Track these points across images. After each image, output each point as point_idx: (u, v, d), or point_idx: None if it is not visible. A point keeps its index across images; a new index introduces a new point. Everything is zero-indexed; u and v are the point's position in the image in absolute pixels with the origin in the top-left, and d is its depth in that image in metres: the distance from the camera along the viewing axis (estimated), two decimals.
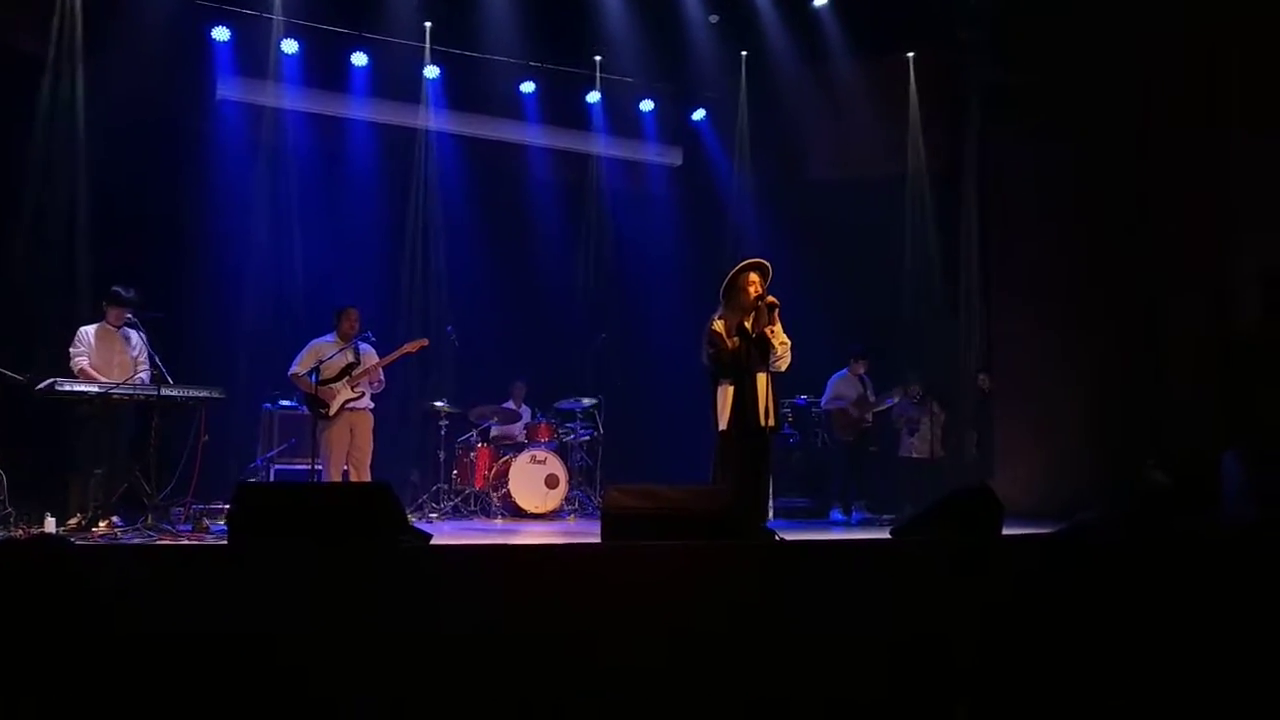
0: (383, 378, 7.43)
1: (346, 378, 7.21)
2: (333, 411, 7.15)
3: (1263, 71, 7.53)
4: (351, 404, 7.22)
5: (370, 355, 7.39)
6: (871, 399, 8.94)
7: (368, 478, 7.16)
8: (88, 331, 6.58)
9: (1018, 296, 9.00)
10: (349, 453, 7.22)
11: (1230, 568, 3.66)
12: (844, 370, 9.05)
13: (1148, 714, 3.34)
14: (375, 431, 7.39)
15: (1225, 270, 7.75)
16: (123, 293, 6.59)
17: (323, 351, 7.21)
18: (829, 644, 3.17)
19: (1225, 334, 7.71)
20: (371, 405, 7.39)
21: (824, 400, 9.08)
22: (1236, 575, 3.63)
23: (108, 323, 6.62)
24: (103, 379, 6.35)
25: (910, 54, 9.87)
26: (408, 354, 7.51)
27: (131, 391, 6.26)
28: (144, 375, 6.55)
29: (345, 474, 7.19)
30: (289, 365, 7.37)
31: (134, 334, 6.64)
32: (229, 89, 9.00)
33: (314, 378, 7.04)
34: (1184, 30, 7.92)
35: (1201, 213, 7.84)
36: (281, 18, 8.93)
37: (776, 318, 5.42)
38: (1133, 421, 8.00)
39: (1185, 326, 7.93)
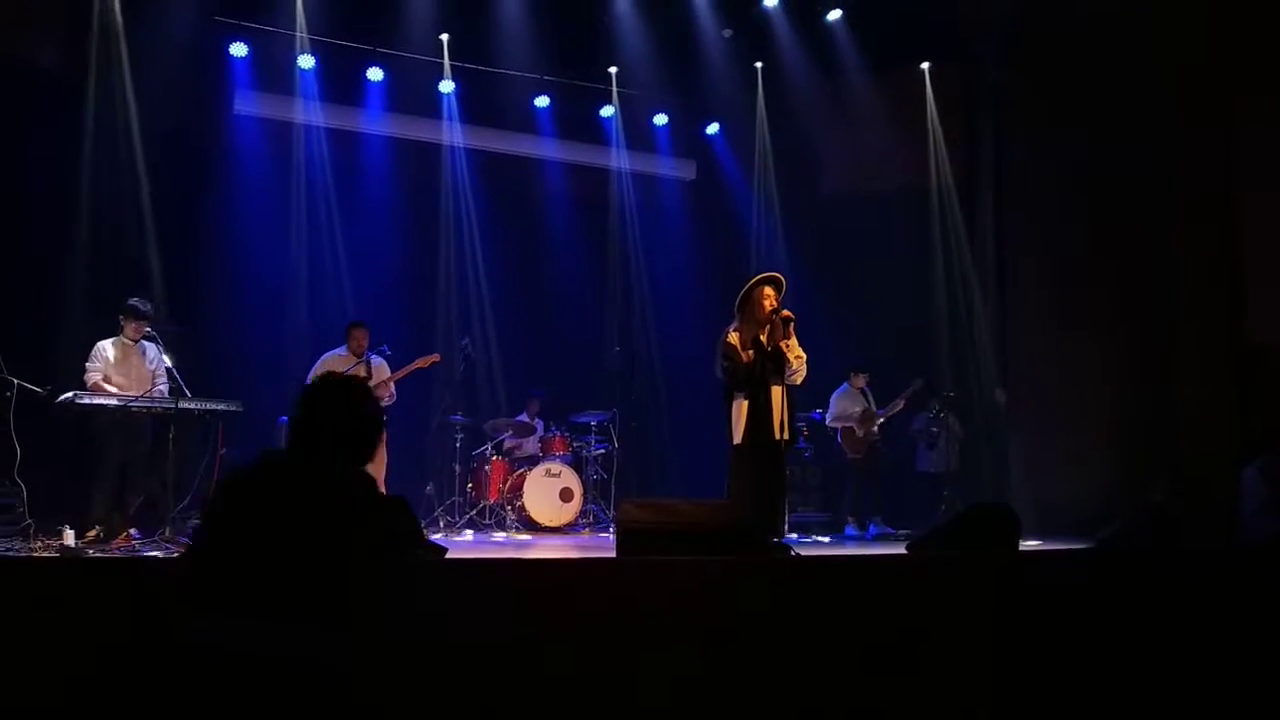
0: (394, 391, 7.44)
1: None
2: None
3: (1278, 72, 7.48)
4: None
5: (383, 368, 7.41)
6: (875, 411, 8.89)
7: (383, 491, 7.16)
8: (105, 346, 6.59)
9: (1035, 308, 8.93)
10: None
11: (1250, 585, 3.62)
12: (844, 385, 8.97)
13: None
14: (390, 445, 7.39)
15: (1243, 274, 7.68)
16: (139, 306, 6.61)
17: (335, 365, 7.24)
18: (844, 659, 3.16)
19: (1244, 341, 7.64)
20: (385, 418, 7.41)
21: (828, 418, 9.01)
22: (1257, 593, 3.59)
23: (125, 336, 6.62)
24: (118, 392, 6.37)
25: (925, 65, 9.87)
26: (420, 369, 7.52)
27: (150, 404, 6.27)
28: (161, 388, 6.58)
29: None
30: (305, 379, 7.39)
31: (151, 347, 6.66)
32: (246, 104, 9.08)
33: None
34: (1198, 31, 7.88)
35: (1218, 216, 7.78)
36: (299, 34, 9.00)
37: (792, 331, 5.42)
38: (1154, 434, 7.93)
39: (1204, 335, 7.85)
